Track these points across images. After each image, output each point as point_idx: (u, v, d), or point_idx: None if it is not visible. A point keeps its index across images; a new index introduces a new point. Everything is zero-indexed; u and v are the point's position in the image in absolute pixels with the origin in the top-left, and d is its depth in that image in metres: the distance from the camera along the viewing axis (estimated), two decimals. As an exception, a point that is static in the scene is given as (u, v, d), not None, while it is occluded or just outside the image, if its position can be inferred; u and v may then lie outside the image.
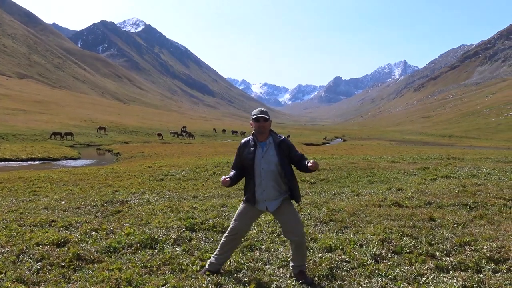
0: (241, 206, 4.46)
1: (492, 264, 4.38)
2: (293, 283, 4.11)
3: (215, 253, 4.52)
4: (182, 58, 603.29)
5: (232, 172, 4.45)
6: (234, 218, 4.48)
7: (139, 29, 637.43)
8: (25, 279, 4.21)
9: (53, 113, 69.63)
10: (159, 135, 57.85)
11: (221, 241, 4.49)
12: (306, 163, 4.16)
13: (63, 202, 8.90)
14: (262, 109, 4.31)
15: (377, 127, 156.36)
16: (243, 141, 4.47)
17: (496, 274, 4.14)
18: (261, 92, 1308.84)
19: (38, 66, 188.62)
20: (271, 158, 4.24)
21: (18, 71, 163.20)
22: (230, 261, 4.71)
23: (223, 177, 4.27)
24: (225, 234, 4.47)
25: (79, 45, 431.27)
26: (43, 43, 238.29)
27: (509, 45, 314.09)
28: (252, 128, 4.35)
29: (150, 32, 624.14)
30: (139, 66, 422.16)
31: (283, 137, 4.38)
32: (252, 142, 4.35)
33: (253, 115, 4.30)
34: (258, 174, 4.27)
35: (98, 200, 9.00)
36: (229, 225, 4.53)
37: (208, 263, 4.50)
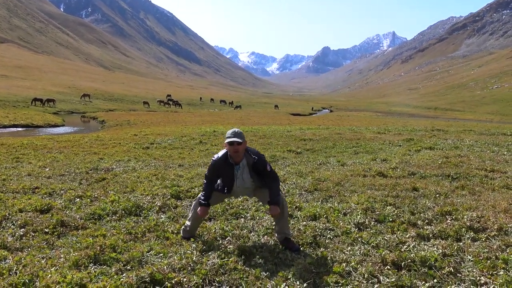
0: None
1: (472, 233, 4.48)
2: (277, 249, 4.17)
3: (188, 217, 4.60)
4: (168, 25, 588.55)
5: (205, 193, 4.40)
6: None
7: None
8: (8, 245, 4.18)
9: (36, 79, 68.11)
10: (145, 103, 57.12)
11: (193, 204, 4.55)
12: (269, 201, 4.22)
13: (47, 169, 8.80)
14: (236, 130, 4.22)
15: (364, 99, 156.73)
16: (217, 159, 4.35)
17: (475, 243, 4.24)
18: (248, 61, 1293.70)
19: (19, 30, 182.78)
20: (246, 180, 4.35)
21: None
22: (215, 228, 4.75)
23: (199, 209, 4.32)
24: (198, 197, 4.54)
25: (62, 9, 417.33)
26: (23, 6, 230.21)
27: (497, 18, 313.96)
28: (226, 149, 4.30)
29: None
30: (124, 32, 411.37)
31: (257, 158, 4.28)
32: (228, 162, 4.30)
33: (226, 138, 4.21)
34: (234, 190, 4.45)
35: (83, 168, 8.92)
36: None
37: (182, 230, 4.59)
